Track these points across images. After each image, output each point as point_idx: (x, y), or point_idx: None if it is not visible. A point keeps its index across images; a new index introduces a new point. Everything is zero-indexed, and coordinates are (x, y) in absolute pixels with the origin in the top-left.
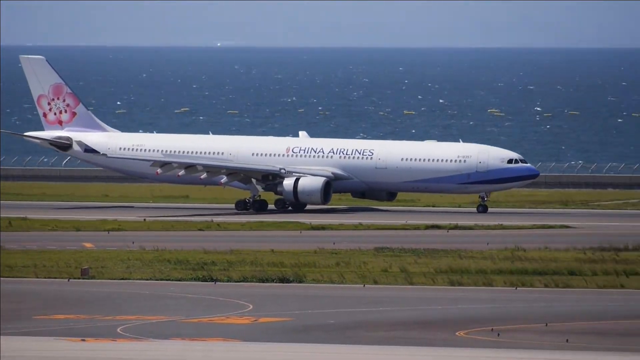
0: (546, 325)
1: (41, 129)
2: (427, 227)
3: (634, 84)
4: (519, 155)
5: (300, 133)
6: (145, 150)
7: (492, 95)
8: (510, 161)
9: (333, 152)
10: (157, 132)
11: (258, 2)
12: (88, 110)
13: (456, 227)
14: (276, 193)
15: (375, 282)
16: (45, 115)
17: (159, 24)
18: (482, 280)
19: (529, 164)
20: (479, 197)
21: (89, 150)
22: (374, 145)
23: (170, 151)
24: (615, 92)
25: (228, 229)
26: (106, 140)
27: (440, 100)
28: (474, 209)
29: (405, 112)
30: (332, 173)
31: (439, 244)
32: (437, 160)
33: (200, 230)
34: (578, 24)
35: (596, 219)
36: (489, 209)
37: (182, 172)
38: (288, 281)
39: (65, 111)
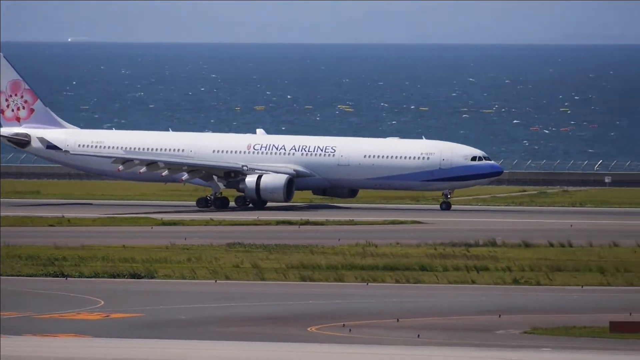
0: (397, 320)
1: None
2: (279, 223)
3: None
4: (483, 153)
5: (258, 130)
6: (104, 147)
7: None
8: (474, 158)
9: (295, 149)
10: (115, 129)
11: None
12: (46, 107)
13: (307, 223)
14: (238, 190)
15: (227, 278)
16: (2, 111)
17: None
18: (334, 275)
19: (492, 162)
20: (442, 194)
21: (50, 146)
22: (336, 142)
23: (130, 148)
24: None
25: (79, 225)
26: (65, 137)
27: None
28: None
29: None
30: (294, 170)
31: (291, 239)
32: (401, 157)
33: (51, 225)
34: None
35: (447, 214)
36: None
37: (143, 169)
38: (139, 277)
39: (23, 107)
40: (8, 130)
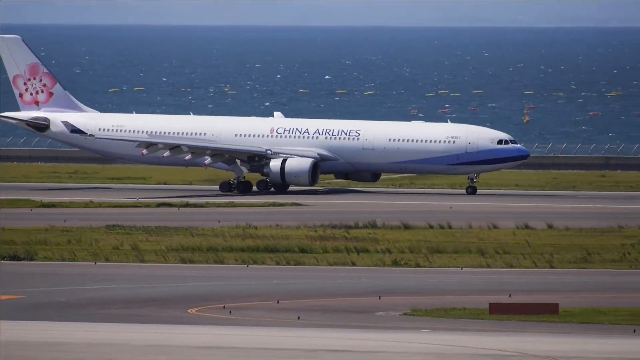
0: (278, 302)
1: (17, 109)
2: (159, 205)
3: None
4: (509, 136)
5: (275, 114)
6: (125, 131)
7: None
8: (500, 142)
9: (318, 133)
10: (135, 113)
11: None
12: (65, 90)
13: (187, 205)
14: (262, 174)
15: (107, 260)
16: (21, 95)
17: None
18: (214, 257)
19: (519, 145)
20: (468, 178)
21: (75, 130)
22: (360, 125)
23: (152, 132)
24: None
25: None
26: (85, 121)
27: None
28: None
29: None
30: (318, 154)
31: (170, 221)
32: (426, 141)
33: None
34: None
35: (326, 197)
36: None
37: (167, 153)
38: (19, 259)
39: (42, 91)
40: (27, 114)
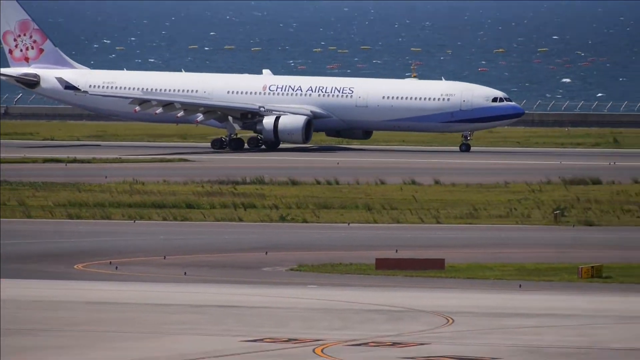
0: (164, 258)
1: (6, 66)
2: (46, 161)
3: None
4: (504, 94)
5: (264, 71)
6: (116, 87)
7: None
8: (495, 99)
9: (311, 90)
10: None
11: None
12: (55, 47)
13: (75, 161)
14: (255, 132)
15: None
16: (11, 52)
17: None
18: (101, 213)
19: (514, 103)
20: (462, 135)
21: (69, 87)
22: (353, 82)
23: (144, 89)
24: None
25: None
26: (76, 78)
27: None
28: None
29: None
30: (311, 111)
31: (58, 177)
32: (420, 98)
33: None
34: None
35: (215, 154)
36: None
37: (159, 110)
38: None
39: (32, 47)
40: (16, 71)
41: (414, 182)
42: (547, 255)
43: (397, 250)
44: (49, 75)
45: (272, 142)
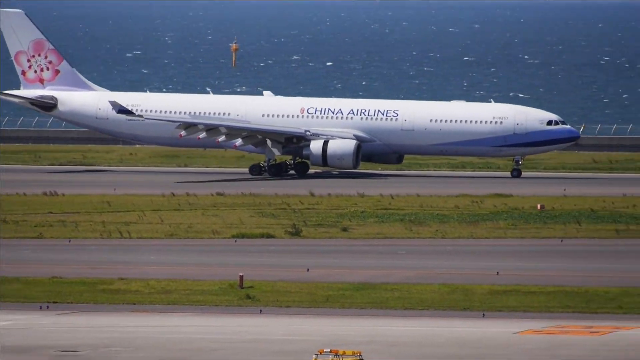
0: None
1: (18, 87)
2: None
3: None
4: (559, 117)
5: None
6: (142, 110)
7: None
8: (549, 123)
9: (353, 113)
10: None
11: None
12: (72, 68)
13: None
14: (300, 157)
15: None
16: (24, 73)
17: None
18: None
19: (569, 126)
20: (514, 160)
21: (122, 111)
22: (398, 105)
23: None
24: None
25: None
26: (96, 101)
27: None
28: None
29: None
30: (354, 135)
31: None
32: (471, 121)
33: None
34: None
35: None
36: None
37: (203, 135)
38: None
39: (47, 69)
40: (31, 93)
41: None
42: None
43: None
44: (66, 97)
45: (320, 167)
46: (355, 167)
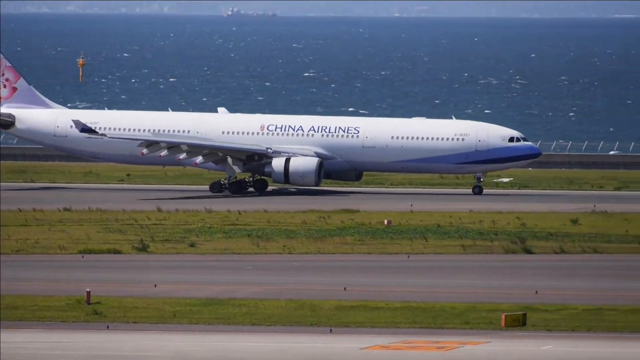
0: None
1: None
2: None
3: None
4: (520, 133)
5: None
6: (101, 128)
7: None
8: (511, 139)
9: (314, 130)
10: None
11: None
12: (30, 85)
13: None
14: (261, 174)
15: None
16: None
17: None
18: None
19: (530, 143)
20: (475, 177)
21: (85, 129)
22: (359, 122)
23: (128, 130)
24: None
25: None
26: (54, 118)
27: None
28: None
29: None
30: (315, 153)
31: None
32: (433, 138)
33: None
34: None
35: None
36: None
37: (164, 153)
38: None
39: (5, 86)
40: None
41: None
42: None
43: None
44: (25, 115)
45: (282, 184)
46: (317, 185)
